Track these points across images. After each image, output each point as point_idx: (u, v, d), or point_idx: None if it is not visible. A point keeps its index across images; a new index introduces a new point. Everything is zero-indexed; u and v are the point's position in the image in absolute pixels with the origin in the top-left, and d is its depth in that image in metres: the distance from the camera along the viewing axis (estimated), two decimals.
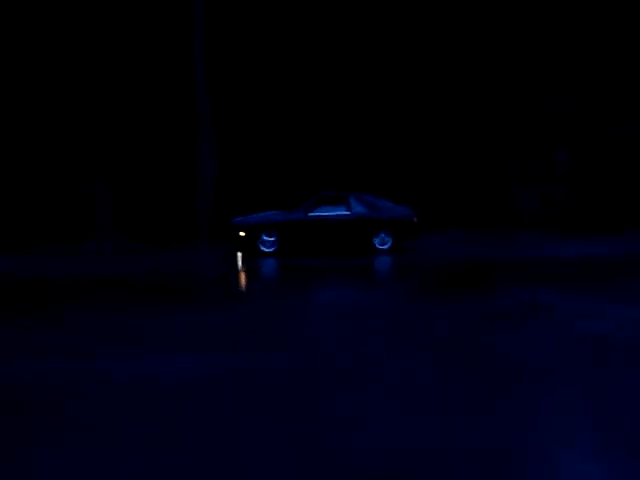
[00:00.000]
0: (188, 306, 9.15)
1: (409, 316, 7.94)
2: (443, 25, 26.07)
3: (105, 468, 3.50)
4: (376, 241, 17.40)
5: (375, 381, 5.08)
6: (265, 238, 17.37)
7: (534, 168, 26.58)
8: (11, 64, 24.85)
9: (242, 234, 17.42)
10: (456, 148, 26.77)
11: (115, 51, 24.88)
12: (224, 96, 24.79)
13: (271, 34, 25.45)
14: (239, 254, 17.99)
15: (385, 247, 17.40)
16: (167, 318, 8.25)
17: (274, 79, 25.86)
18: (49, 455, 3.74)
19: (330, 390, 4.84)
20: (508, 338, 6.57)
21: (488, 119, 26.89)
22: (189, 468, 3.45)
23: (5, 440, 4.02)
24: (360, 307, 8.67)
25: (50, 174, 25.54)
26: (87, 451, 3.77)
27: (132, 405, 4.67)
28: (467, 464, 3.41)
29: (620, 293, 9.40)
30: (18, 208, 25.33)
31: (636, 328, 6.97)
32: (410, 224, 17.47)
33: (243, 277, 12.71)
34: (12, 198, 25.19)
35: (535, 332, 6.84)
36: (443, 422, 4.10)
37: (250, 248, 17.65)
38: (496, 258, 15.23)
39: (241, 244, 17.50)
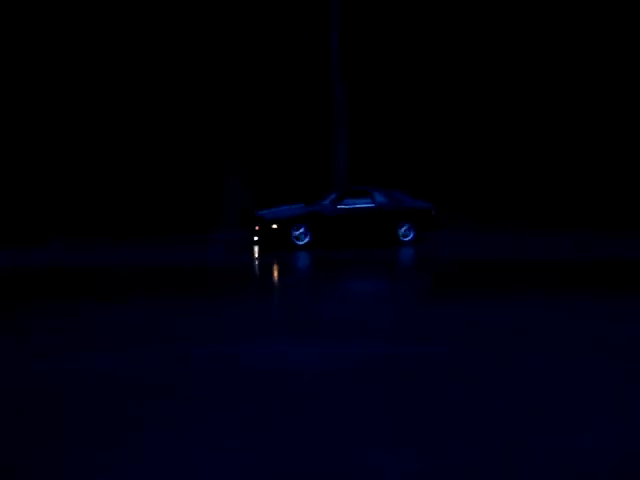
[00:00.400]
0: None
1: None
2: None
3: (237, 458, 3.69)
4: (400, 232, 17.83)
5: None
6: (296, 232, 17.48)
7: None
8: (162, 57, 25.44)
9: (274, 227, 17.46)
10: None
11: (254, 43, 25.30)
12: (359, 90, 25.10)
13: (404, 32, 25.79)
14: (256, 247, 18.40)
15: (408, 239, 17.90)
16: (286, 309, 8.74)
17: (406, 73, 26.17)
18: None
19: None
20: None
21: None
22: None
23: (146, 418, 4.39)
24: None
25: (182, 161, 26.09)
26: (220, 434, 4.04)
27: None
28: None
29: None
30: (151, 196, 25.98)
31: None
32: (430, 215, 17.97)
33: (282, 269, 13.37)
34: (147, 186, 26.06)
35: None
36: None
37: (282, 241, 17.73)
38: None
39: (272, 237, 17.58)
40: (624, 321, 7.50)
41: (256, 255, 16.39)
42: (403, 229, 17.88)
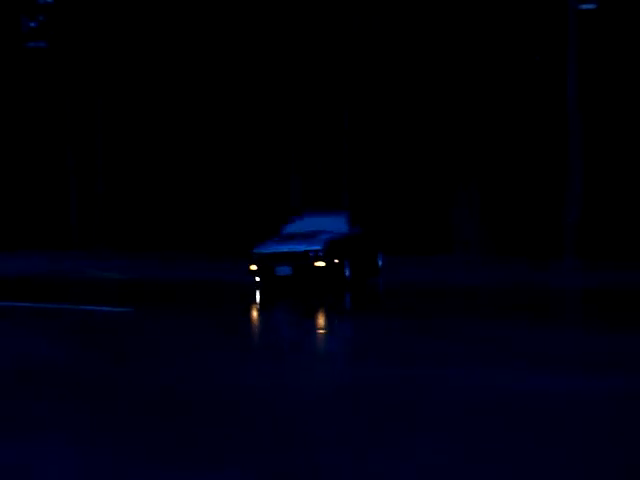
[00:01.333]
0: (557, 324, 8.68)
1: None
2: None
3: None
4: None
5: None
6: None
7: None
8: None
9: None
10: None
11: (490, 61, 25.19)
12: (594, 111, 24.41)
13: None
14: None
15: None
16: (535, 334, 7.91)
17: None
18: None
19: None
20: None
21: None
22: None
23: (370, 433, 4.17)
24: None
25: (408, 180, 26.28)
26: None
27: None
28: None
29: None
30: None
31: None
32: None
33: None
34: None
35: None
36: None
37: None
38: None
39: None
40: None
41: None
42: None
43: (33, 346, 7.46)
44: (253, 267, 13.26)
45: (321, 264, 12.99)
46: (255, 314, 9.62)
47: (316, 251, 13.03)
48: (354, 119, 27.14)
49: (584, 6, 21.94)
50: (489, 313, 9.38)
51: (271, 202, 26.67)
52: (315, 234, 13.79)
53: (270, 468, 3.49)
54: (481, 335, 7.63)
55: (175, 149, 28.52)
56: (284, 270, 13.12)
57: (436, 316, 9.09)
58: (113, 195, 30.44)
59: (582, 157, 22.90)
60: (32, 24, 36.81)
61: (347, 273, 13.96)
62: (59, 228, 32.25)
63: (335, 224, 14.59)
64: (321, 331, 7.92)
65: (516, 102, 25.26)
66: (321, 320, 8.79)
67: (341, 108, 27.04)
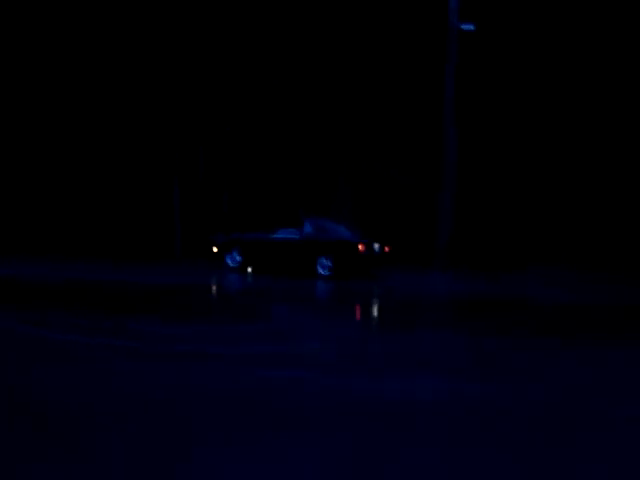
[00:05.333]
0: None
1: None
2: None
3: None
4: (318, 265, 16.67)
5: None
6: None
7: None
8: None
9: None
10: None
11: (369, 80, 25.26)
12: (469, 128, 24.45)
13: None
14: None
15: (324, 272, 16.51)
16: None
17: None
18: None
19: None
20: None
21: None
22: None
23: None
24: None
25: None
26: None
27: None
28: None
29: None
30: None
31: None
32: (353, 250, 16.36)
33: None
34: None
35: None
36: None
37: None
38: None
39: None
40: None
41: None
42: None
43: None
44: None
45: None
46: None
47: None
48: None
49: (464, 26, 21.84)
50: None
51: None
52: None
53: None
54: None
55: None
56: None
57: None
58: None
59: (455, 173, 22.73)
60: None
61: None
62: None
63: None
64: None
65: (392, 116, 25.18)
66: None
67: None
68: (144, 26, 25.22)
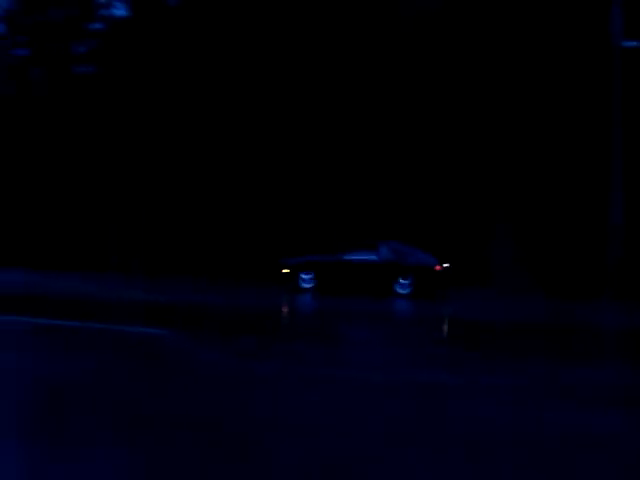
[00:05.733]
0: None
1: None
2: None
3: None
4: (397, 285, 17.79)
5: None
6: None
7: None
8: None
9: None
10: None
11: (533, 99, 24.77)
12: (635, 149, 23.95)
13: None
14: None
15: (404, 292, 17.67)
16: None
17: None
18: None
19: None
20: None
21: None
22: None
23: None
24: None
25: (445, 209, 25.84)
26: None
27: None
28: None
29: None
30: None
31: None
32: (431, 272, 17.64)
33: None
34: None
35: None
36: None
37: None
38: None
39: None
40: None
41: None
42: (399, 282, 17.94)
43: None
44: None
45: None
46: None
47: None
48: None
49: (627, 44, 21.93)
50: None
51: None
52: None
53: None
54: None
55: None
56: None
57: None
58: (156, 219, 30.27)
59: (622, 190, 22.17)
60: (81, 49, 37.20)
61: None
62: (96, 251, 32.14)
63: None
64: None
65: (558, 136, 24.61)
66: None
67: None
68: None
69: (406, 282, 17.65)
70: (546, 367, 7.17)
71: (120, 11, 34.85)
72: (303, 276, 18.24)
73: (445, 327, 11.43)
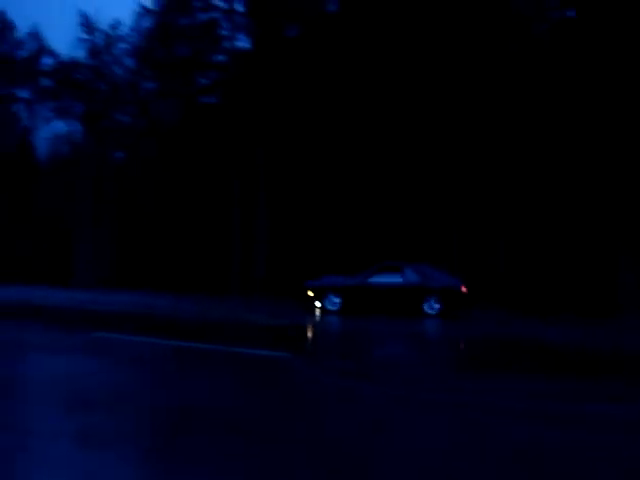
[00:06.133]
0: None
1: None
2: None
3: None
4: (425, 306, 18.60)
5: None
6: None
7: None
8: None
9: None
10: None
11: None
12: None
13: None
14: None
15: (433, 312, 18.48)
16: None
17: None
18: None
19: None
20: None
21: None
22: None
23: None
24: None
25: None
26: None
27: None
28: None
29: None
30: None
31: None
32: (458, 294, 18.53)
33: None
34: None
35: None
36: None
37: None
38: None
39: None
40: None
41: None
42: (429, 303, 18.70)
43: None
44: None
45: None
46: None
47: None
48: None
49: None
50: None
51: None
52: None
53: None
54: None
55: (334, 197, 28.75)
56: None
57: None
58: (275, 243, 31.02)
59: None
60: (205, 81, 38.78)
61: None
62: (221, 274, 33.18)
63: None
64: None
65: None
66: None
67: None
68: None
69: (435, 304, 18.40)
70: None
71: (243, 43, 36.13)
72: (327, 298, 19.00)
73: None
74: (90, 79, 44.11)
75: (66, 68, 44.59)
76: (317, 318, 16.92)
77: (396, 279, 18.68)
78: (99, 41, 44.76)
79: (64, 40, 47.04)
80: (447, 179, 27.05)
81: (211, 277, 33.02)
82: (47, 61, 46.28)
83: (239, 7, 35.14)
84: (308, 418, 6.10)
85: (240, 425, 5.71)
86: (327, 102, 28.35)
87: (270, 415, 6.11)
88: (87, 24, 44.89)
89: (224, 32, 37.09)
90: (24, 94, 47.30)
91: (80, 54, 44.08)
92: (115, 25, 44.83)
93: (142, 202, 40.98)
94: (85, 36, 44.65)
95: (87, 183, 42.81)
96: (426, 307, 18.28)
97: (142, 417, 6.10)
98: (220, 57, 38.41)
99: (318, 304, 19.11)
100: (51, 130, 49.33)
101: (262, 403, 6.64)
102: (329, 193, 28.70)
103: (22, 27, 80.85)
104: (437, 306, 18.22)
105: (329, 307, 18.76)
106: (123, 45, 44.57)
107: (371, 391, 7.18)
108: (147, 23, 41.97)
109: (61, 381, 7.49)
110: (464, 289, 18.48)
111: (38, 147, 50.37)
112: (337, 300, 18.79)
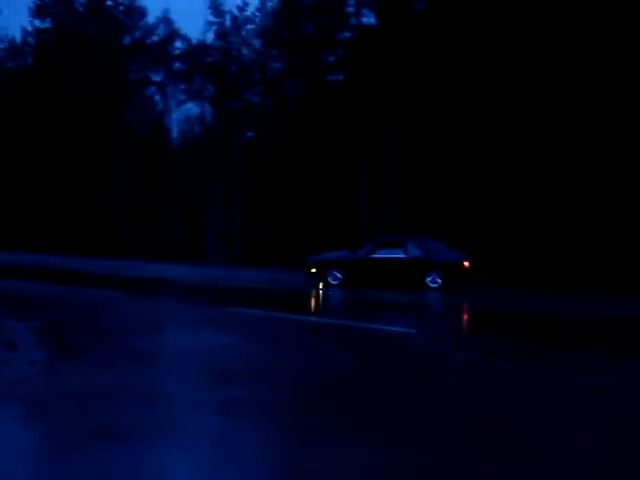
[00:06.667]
0: None
1: None
2: None
3: None
4: (428, 280, 18.72)
5: None
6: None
7: None
8: None
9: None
10: None
11: None
12: None
13: None
14: None
15: (435, 285, 18.59)
16: None
17: None
18: None
19: None
20: None
21: None
22: None
23: None
24: None
25: None
26: None
27: None
28: None
29: None
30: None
31: None
32: (460, 268, 18.65)
33: None
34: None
35: None
36: None
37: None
38: None
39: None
40: None
41: None
42: (431, 276, 18.81)
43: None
44: None
45: None
46: None
47: None
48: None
49: None
50: None
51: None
52: None
53: None
54: None
55: (461, 178, 28.13)
56: None
57: None
58: (404, 221, 30.76)
59: None
60: (331, 58, 38.86)
61: None
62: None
63: None
64: None
65: None
66: None
67: None
68: None
69: (437, 277, 18.59)
70: None
71: (369, 19, 35.89)
72: (331, 273, 19.25)
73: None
74: (219, 61, 45.13)
75: (196, 51, 45.82)
76: (431, 296, 16.78)
77: (399, 254, 18.90)
78: (227, 23, 45.73)
79: (194, 24, 48.32)
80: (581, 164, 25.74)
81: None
82: (178, 45, 47.78)
83: None
84: (447, 395, 6.06)
85: (382, 399, 5.73)
86: (458, 78, 27.67)
87: (406, 390, 6.11)
88: (215, 7, 45.94)
89: (349, 9, 36.99)
90: (157, 78, 49.07)
91: (209, 37, 45.20)
92: (242, 7, 45.63)
93: (270, 181, 41.69)
94: (214, 19, 45.72)
95: (216, 163, 43.98)
96: (428, 281, 18.53)
97: (277, 389, 6.23)
98: (346, 34, 38.35)
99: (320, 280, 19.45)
100: (182, 112, 50.97)
101: (396, 378, 6.64)
102: (459, 174, 28.12)
103: (153, 13, 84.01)
104: (440, 280, 18.46)
105: (332, 282, 19.04)
106: (250, 26, 45.32)
107: (517, 371, 7.05)
108: (273, 3, 42.52)
109: (201, 353, 7.76)
110: (466, 263, 18.65)
111: (170, 129, 52.21)
112: (340, 275, 19.10)
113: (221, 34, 45.37)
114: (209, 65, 44.80)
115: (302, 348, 8.35)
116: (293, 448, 4.62)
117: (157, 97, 49.84)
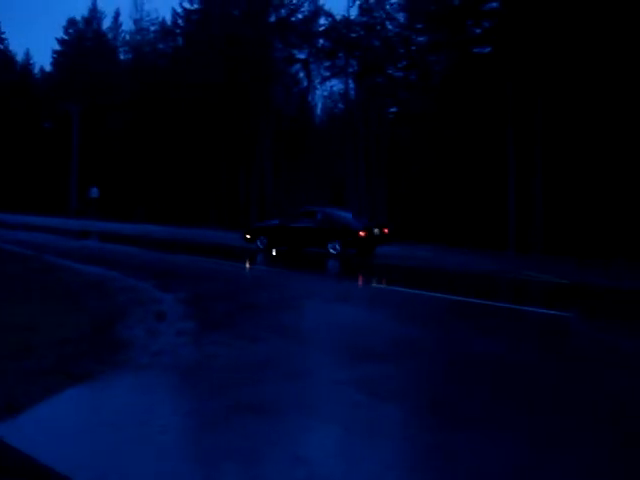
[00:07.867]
0: None
1: None
2: None
3: None
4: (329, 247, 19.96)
5: None
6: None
7: None
8: None
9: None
10: None
11: None
12: None
13: None
14: None
15: (335, 252, 19.72)
16: None
17: None
18: None
19: None
20: None
21: None
22: None
23: None
24: None
25: None
26: None
27: None
28: None
29: None
30: None
31: None
32: (355, 236, 19.57)
33: None
34: None
35: None
36: None
37: None
38: None
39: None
40: None
41: None
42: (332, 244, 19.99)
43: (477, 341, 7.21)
44: None
45: None
46: None
47: None
48: None
49: None
50: None
51: None
52: None
53: None
54: None
55: (613, 150, 26.60)
56: None
57: None
58: (552, 197, 29.62)
59: None
60: (477, 30, 37.81)
61: None
62: (495, 229, 32.46)
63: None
64: None
65: None
66: None
67: None
68: None
69: (336, 245, 19.74)
70: None
71: None
72: (259, 239, 21.41)
73: None
74: (363, 37, 44.98)
75: (340, 27, 45.86)
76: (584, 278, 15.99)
77: (310, 223, 20.47)
78: None
79: (338, 1, 48.36)
80: None
81: (485, 232, 32.44)
82: (322, 22, 48.00)
83: None
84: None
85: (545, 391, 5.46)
86: (615, 46, 26.11)
87: (569, 377, 5.80)
88: None
89: None
90: (302, 55, 49.55)
91: (353, 13, 45.09)
92: None
93: (413, 156, 41.24)
94: None
95: (361, 140, 44.00)
96: (329, 247, 19.76)
97: (424, 369, 6.07)
98: (493, 4, 37.17)
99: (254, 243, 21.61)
100: (326, 89, 51.27)
101: (554, 364, 6.33)
102: (612, 148, 26.64)
103: None
104: (339, 248, 19.59)
105: (260, 246, 21.15)
106: (394, 0, 44.87)
107: None
108: None
109: (344, 330, 7.70)
110: (362, 233, 19.49)
111: (315, 106, 52.64)
112: (265, 240, 21.17)
113: (365, 9, 45.17)
114: (353, 41, 44.74)
115: (455, 330, 8.12)
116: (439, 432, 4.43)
117: (301, 74, 50.38)
